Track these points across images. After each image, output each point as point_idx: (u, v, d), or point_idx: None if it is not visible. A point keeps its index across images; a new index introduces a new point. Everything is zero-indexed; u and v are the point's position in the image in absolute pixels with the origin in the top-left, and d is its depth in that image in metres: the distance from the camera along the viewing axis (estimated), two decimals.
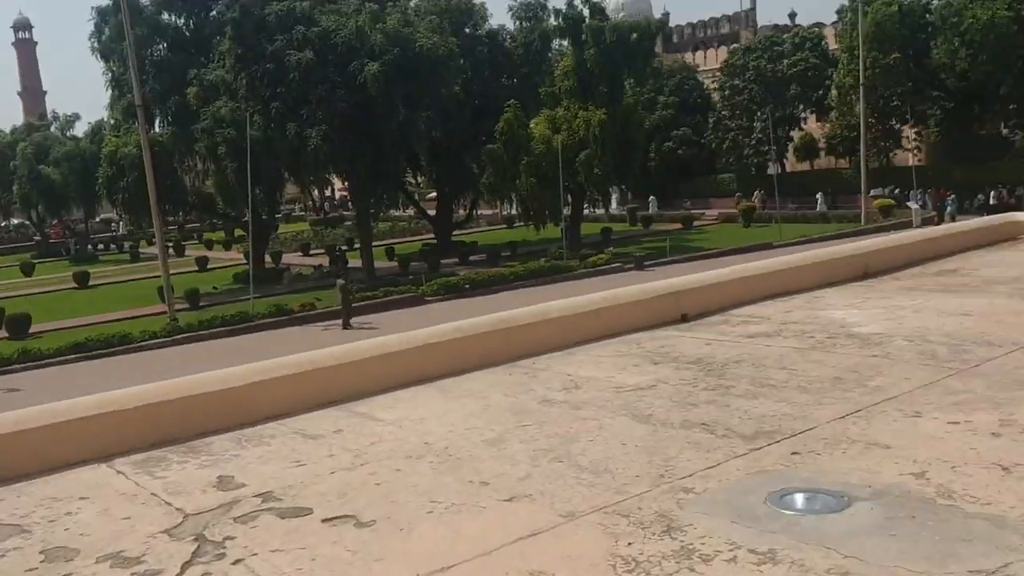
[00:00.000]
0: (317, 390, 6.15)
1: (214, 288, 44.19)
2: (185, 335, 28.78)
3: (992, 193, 52.18)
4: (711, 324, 8.06)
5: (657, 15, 74.96)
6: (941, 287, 9.32)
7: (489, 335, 7.21)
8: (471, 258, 47.78)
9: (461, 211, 60.77)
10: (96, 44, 46.19)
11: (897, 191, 56.34)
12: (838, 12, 63.23)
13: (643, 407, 5.52)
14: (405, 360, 6.62)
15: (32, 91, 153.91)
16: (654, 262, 38.86)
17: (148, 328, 29.63)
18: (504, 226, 65.82)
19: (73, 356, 26.85)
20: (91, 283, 52.09)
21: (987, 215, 49.14)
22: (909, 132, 60.37)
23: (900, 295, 8.98)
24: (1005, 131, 59.12)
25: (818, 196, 58.41)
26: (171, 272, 50.24)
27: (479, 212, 70.92)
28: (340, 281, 32.31)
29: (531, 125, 45.52)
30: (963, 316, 7.58)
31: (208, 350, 27.94)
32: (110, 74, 45.32)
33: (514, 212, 54.47)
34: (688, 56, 78.91)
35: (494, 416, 5.58)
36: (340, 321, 30.01)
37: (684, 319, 8.26)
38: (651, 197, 67.51)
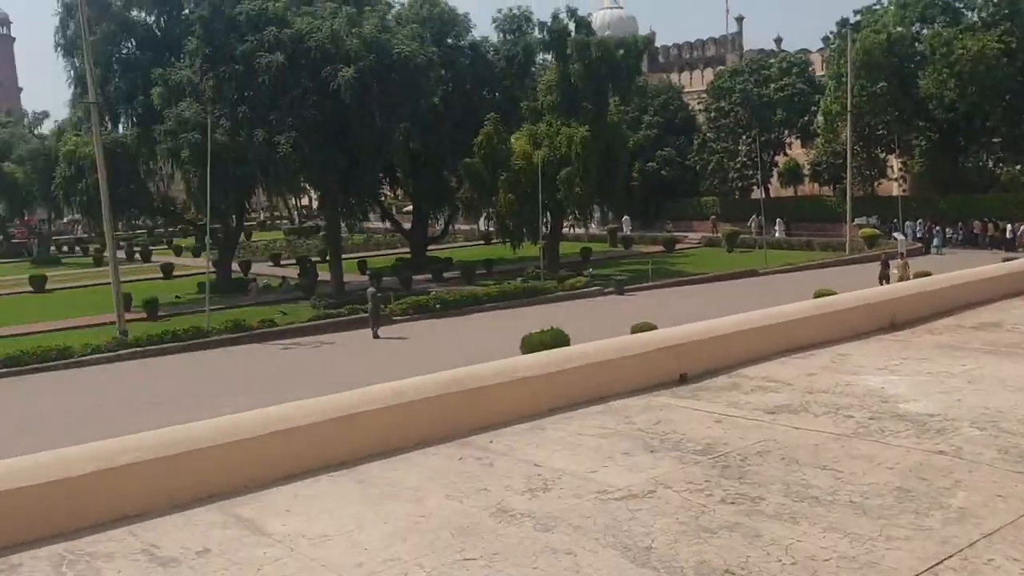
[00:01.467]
0: (188, 480, 4.48)
1: (176, 297, 42.12)
2: (131, 350, 26.76)
3: (977, 224, 51.27)
4: (719, 389, 6.47)
5: (642, 34, 73.92)
6: (989, 346, 7.78)
7: (438, 400, 5.57)
8: (445, 275, 46.07)
9: (437, 226, 59.14)
10: (60, 39, 44.23)
11: (875, 219, 55.35)
12: (824, 39, 62.46)
13: (638, 532, 3.90)
14: (318, 435, 4.97)
15: (7, 88, 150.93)
16: (635, 286, 37.32)
17: (94, 340, 27.60)
18: (481, 242, 64.14)
19: (2, 371, 24.81)
20: (48, 287, 49.82)
21: (994, 250, 48.36)
22: (895, 161, 59.49)
23: (942, 355, 7.44)
24: (991, 164, 58.37)
25: (776, 221, 57.21)
26: (134, 279, 48.40)
27: (456, 227, 69.29)
28: (371, 290, 31.50)
29: (512, 140, 43.99)
30: None
31: (155, 368, 26.02)
32: (72, 71, 43.36)
33: (491, 229, 52.76)
34: (674, 76, 77.89)
35: (427, 538, 3.94)
36: (370, 331, 29.53)
37: (684, 380, 6.68)
38: (624, 217, 66.12)
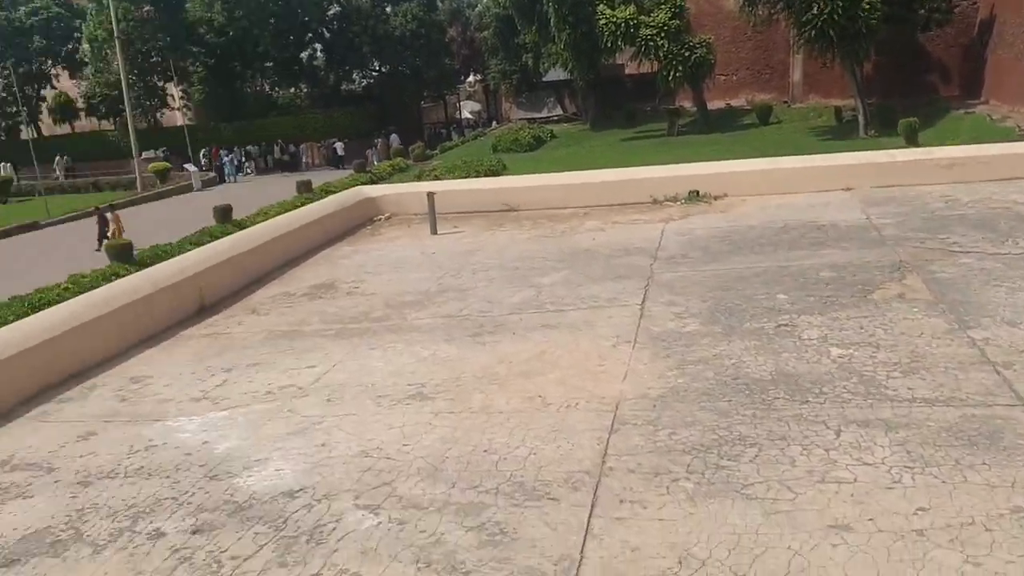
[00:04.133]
0: None
1: None
2: None
3: (276, 149, 52.51)
4: None
5: None
6: (331, 324, 6.17)
7: None
8: None
9: None
10: None
11: (164, 152, 53.22)
12: None
13: None
14: None
15: None
16: None
17: None
18: None
19: None
20: None
21: (284, 172, 49.36)
22: (175, 90, 57.54)
23: (269, 354, 5.59)
24: (267, 88, 60.16)
25: (57, 159, 51.87)
26: None
27: None
28: None
29: None
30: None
31: None
32: None
33: None
34: None
35: None
36: None
37: None
38: None
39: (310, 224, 9.25)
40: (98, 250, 26.15)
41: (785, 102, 49.57)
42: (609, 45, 43.32)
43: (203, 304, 7.25)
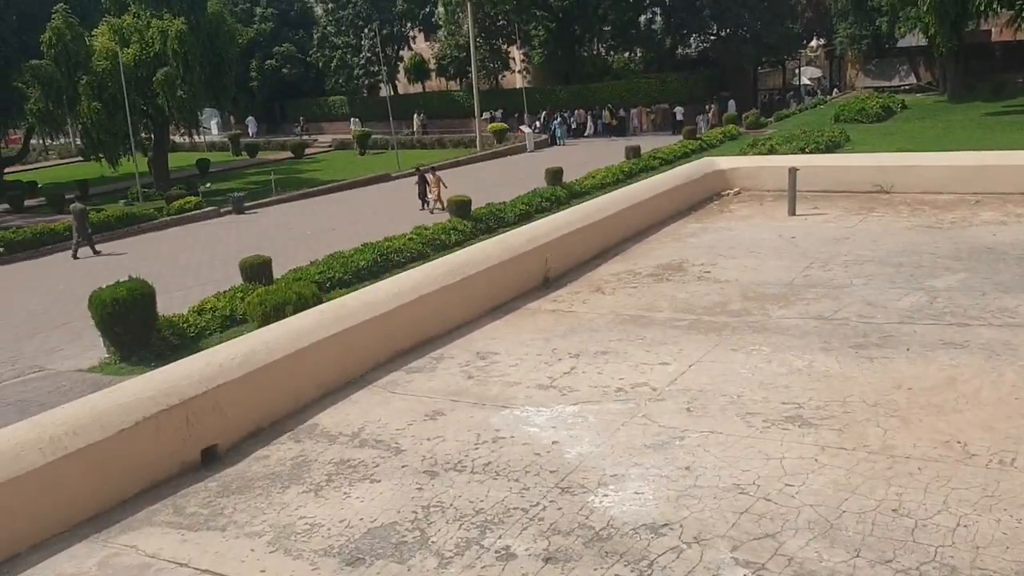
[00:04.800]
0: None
1: None
2: None
3: (605, 114, 52.81)
4: None
5: None
6: (692, 323, 5.56)
7: None
8: (28, 203, 38.37)
9: (12, 143, 49.50)
10: None
11: (499, 113, 55.38)
12: None
13: None
14: None
15: None
16: (258, 202, 33.14)
17: None
18: (79, 159, 55.22)
19: None
20: None
21: (613, 137, 49.84)
22: (516, 53, 59.63)
23: (637, 345, 5.08)
24: (603, 52, 60.49)
25: (415, 117, 55.55)
26: None
27: (48, 143, 59.18)
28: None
29: (91, 36, 36.79)
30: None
31: None
32: None
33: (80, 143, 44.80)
34: None
35: None
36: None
37: None
38: (250, 119, 60.45)
39: (656, 197, 8.66)
40: (422, 209, 27.41)
41: None
42: (983, 8, 38.32)
43: (548, 277, 6.94)
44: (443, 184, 27.60)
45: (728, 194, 10.02)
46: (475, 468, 3.95)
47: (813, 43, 71.30)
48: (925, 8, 41.53)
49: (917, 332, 5.19)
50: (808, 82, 71.70)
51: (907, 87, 53.41)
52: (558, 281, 7.03)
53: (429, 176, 28.13)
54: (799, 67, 71.67)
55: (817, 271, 6.73)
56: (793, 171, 8.61)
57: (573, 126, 52.51)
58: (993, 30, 45.92)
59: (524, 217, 25.30)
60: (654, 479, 3.70)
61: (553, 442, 4.15)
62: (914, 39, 50.71)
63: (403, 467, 4.04)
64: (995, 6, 37.76)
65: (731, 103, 50.75)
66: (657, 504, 3.49)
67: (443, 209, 26.01)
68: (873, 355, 4.90)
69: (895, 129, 38.23)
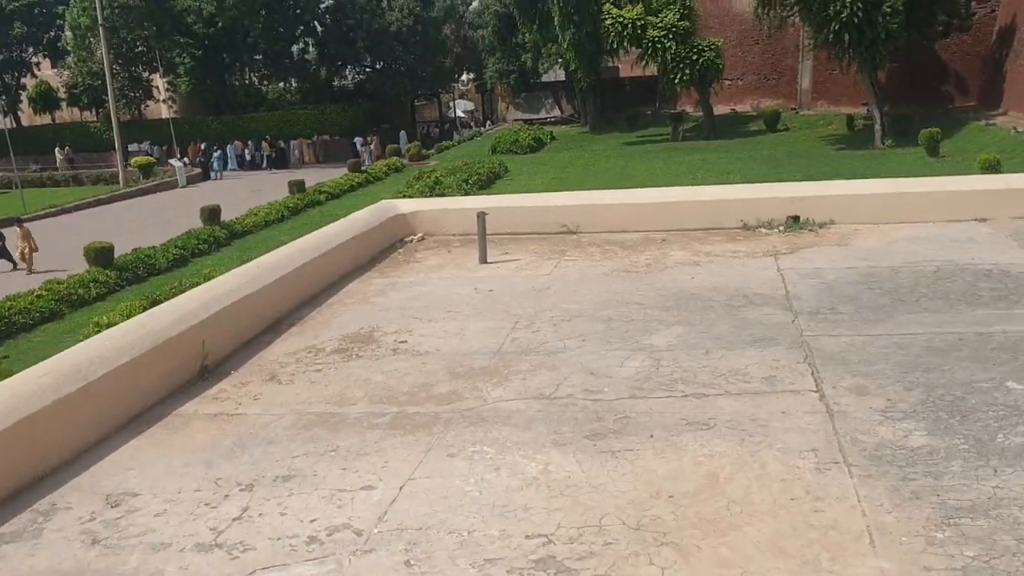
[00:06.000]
0: None
1: None
2: None
3: (264, 145, 50.47)
4: None
5: None
6: (395, 419, 4.41)
7: None
8: None
9: None
10: None
11: (147, 146, 51.16)
12: None
13: None
14: None
15: None
16: None
17: None
18: None
19: None
20: None
21: (273, 169, 47.35)
22: (160, 81, 55.37)
23: (330, 460, 3.83)
24: (257, 81, 58.04)
25: (57, 151, 49.96)
26: None
27: None
28: None
29: None
30: None
31: None
32: None
33: None
34: None
35: None
36: None
37: None
38: None
39: (334, 250, 7.48)
40: (14, 270, 23.32)
41: (793, 109, 48.16)
42: (615, 46, 41.73)
43: (206, 365, 5.47)
44: (32, 241, 23.75)
45: (411, 240, 9.10)
46: None
47: (464, 77, 74.10)
48: (566, 45, 44.35)
49: (654, 410, 4.50)
50: (463, 114, 74.35)
51: (553, 119, 56.86)
52: (220, 369, 5.59)
53: (18, 228, 23.79)
54: (453, 100, 74.06)
55: (525, 332, 5.94)
56: (482, 216, 7.85)
57: (237, 156, 49.75)
58: (621, 67, 50.21)
59: (179, 262, 22.89)
60: None
61: None
62: (556, 74, 54.16)
63: None
64: (626, 44, 41.17)
65: (402, 134, 51.10)
66: None
67: (29, 272, 22.57)
68: (615, 447, 4.10)
69: (547, 159, 40.27)
